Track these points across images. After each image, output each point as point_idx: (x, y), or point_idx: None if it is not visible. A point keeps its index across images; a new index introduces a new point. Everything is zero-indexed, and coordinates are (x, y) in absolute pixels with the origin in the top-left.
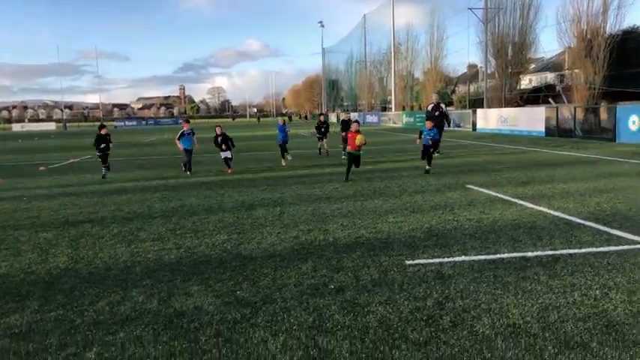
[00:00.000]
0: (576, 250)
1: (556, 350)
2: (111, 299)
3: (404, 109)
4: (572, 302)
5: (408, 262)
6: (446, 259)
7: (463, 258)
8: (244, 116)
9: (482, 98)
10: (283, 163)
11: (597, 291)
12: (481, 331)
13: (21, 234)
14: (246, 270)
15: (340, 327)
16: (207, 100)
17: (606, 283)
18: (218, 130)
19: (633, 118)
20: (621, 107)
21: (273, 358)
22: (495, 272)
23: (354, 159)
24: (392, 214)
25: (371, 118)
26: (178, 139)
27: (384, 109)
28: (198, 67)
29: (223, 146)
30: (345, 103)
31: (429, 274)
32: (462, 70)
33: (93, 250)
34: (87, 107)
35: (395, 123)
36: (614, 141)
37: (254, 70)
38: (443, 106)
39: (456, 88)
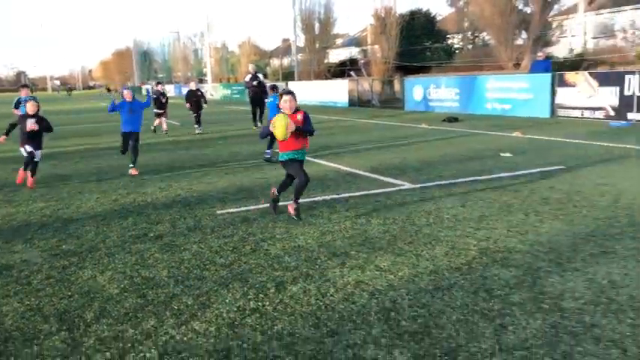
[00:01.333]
0: (354, 193)
1: (326, 258)
2: None
3: (220, 81)
4: (343, 228)
5: (218, 212)
6: (251, 207)
7: (266, 205)
8: (45, 89)
9: (294, 72)
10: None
11: (363, 219)
12: (274, 252)
13: None
14: (68, 229)
15: (160, 261)
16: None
17: (370, 213)
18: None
19: (417, 89)
20: (408, 80)
21: (102, 288)
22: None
23: (293, 167)
24: (208, 176)
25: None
26: (16, 107)
27: (201, 81)
28: None
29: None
30: (160, 75)
31: (236, 219)
32: (277, 43)
33: None
34: None
35: (212, 95)
36: (404, 109)
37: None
38: (260, 76)
39: (271, 61)
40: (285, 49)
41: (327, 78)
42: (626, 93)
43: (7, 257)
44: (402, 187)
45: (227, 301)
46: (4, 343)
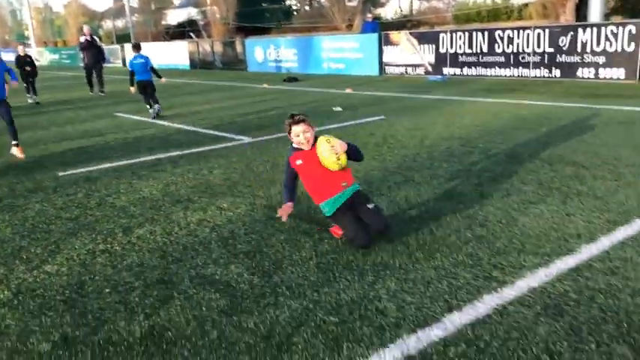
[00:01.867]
0: (197, 149)
1: (170, 204)
2: None
3: (45, 45)
4: (186, 179)
5: (60, 174)
6: (93, 168)
7: (108, 165)
8: None
9: (130, 33)
10: None
11: (205, 171)
12: (119, 204)
13: None
14: None
15: (1, 222)
16: None
17: (212, 165)
18: None
19: (258, 50)
20: (249, 41)
21: None
22: (133, 170)
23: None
24: (42, 143)
25: (7, 56)
26: None
27: (23, 45)
28: None
29: None
30: None
31: (79, 179)
32: (109, 4)
33: None
34: None
35: (38, 60)
36: (246, 70)
37: None
38: (97, 38)
39: (103, 23)
40: (117, 10)
41: (165, 40)
42: (441, 50)
43: None
44: (242, 142)
45: (76, 246)
46: None
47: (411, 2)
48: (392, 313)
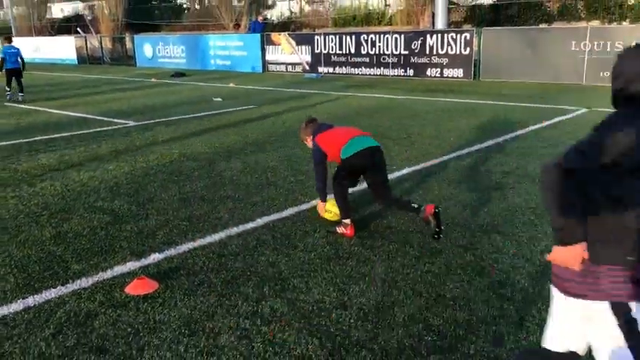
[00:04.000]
0: (86, 131)
1: (65, 168)
2: None
3: None
4: (78, 152)
5: None
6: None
7: (5, 143)
8: None
9: (10, 27)
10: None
11: (94, 145)
12: (21, 169)
13: None
14: None
15: None
16: None
17: (100, 142)
18: None
19: (147, 46)
20: (138, 37)
21: None
22: (30, 146)
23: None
24: None
25: None
26: None
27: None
28: None
29: None
30: None
31: None
32: None
33: None
34: None
35: None
36: (136, 66)
37: None
38: None
39: None
40: None
41: (50, 34)
42: (316, 51)
43: None
44: (127, 125)
45: None
46: None
47: (300, 5)
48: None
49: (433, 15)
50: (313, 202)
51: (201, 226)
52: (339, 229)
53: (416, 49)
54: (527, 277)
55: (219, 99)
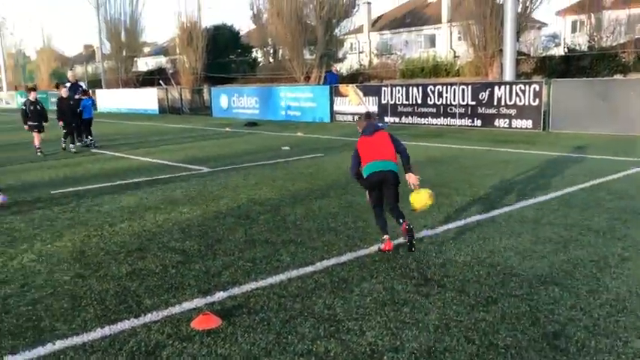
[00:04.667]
0: (164, 176)
1: (143, 210)
2: None
3: (16, 89)
4: (156, 195)
5: (52, 192)
6: (81, 188)
7: (93, 186)
8: None
9: (101, 79)
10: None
11: (170, 190)
12: (104, 210)
13: None
14: None
15: (11, 221)
16: None
17: (175, 186)
18: None
19: (223, 97)
20: (215, 89)
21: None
22: (113, 189)
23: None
24: (36, 173)
25: None
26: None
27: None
28: None
29: None
30: None
31: (69, 195)
32: (79, 50)
33: None
34: None
35: (8, 104)
36: (212, 116)
37: None
38: (82, 84)
39: (74, 69)
40: (88, 56)
41: (135, 86)
42: (383, 101)
43: None
44: (201, 171)
45: (75, 233)
46: None
47: (370, 57)
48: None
49: (502, 66)
50: (372, 249)
51: (264, 267)
52: (379, 246)
53: (484, 99)
54: (584, 330)
55: (288, 147)
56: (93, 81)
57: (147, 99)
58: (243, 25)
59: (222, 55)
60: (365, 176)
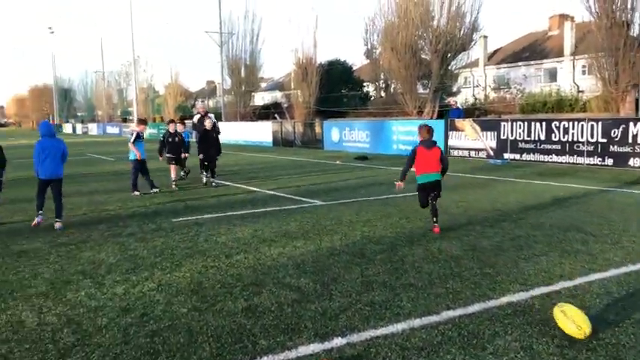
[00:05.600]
0: (277, 208)
1: (258, 243)
2: None
3: (154, 121)
4: (269, 227)
5: (173, 220)
6: (199, 217)
7: (210, 215)
8: None
9: (221, 112)
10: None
11: (284, 222)
12: (220, 241)
13: None
14: (56, 231)
15: (138, 247)
16: None
17: (289, 218)
18: None
19: (334, 131)
20: (327, 122)
21: (102, 260)
22: (229, 220)
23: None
24: (156, 198)
25: (112, 129)
26: (134, 142)
27: (125, 120)
28: None
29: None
30: (80, 114)
31: (190, 224)
32: (202, 85)
33: None
34: None
35: (131, 135)
36: (323, 149)
37: None
38: (212, 116)
39: (196, 103)
40: (210, 91)
41: (252, 119)
42: (502, 137)
43: (19, 247)
44: (314, 204)
45: (194, 263)
46: (63, 286)
47: (485, 91)
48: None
49: (637, 101)
50: (503, 300)
51: (383, 313)
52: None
53: (616, 137)
54: None
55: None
56: (214, 114)
57: (262, 131)
58: (356, 60)
59: (335, 89)
60: (418, 182)
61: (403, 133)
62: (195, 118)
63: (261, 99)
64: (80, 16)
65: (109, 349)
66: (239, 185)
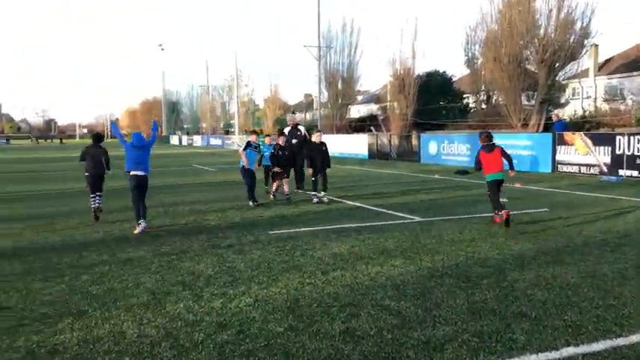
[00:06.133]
0: (375, 223)
1: (355, 259)
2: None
3: (246, 132)
4: (367, 243)
5: (270, 232)
6: (294, 230)
7: (306, 229)
8: (73, 137)
9: (317, 125)
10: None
11: (382, 239)
12: (317, 256)
13: None
14: (159, 240)
15: (235, 260)
16: (30, 119)
17: (387, 235)
18: None
19: (432, 144)
20: (424, 135)
21: (201, 272)
22: (326, 233)
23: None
24: (257, 210)
25: (215, 141)
26: (244, 149)
27: (227, 132)
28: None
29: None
30: (186, 126)
31: (286, 237)
32: (300, 98)
33: None
34: None
35: (240, 146)
36: (419, 162)
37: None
38: (302, 128)
39: (294, 113)
40: (307, 104)
41: (348, 132)
42: (617, 152)
43: (125, 255)
44: (413, 220)
45: (290, 278)
46: (165, 297)
47: (595, 103)
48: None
49: None
50: (633, 338)
51: (494, 346)
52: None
53: None
54: None
55: (505, 199)
56: (310, 127)
57: (358, 144)
58: (455, 70)
59: (433, 101)
60: (487, 180)
61: (506, 147)
62: (286, 130)
63: (356, 111)
64: (187, 34)
65: None
66: (334, 198)
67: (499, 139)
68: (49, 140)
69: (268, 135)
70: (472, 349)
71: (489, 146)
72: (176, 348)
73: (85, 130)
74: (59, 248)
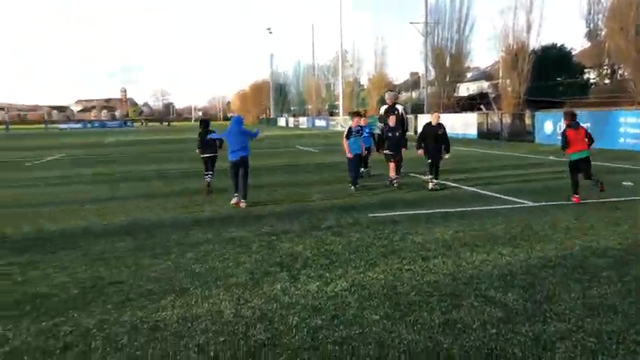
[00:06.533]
0: (483, 207)
1: (458, 245)
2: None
3: (350, 114)
4: (472, 229)
5: (370, 215)
6: (396, 213)
7: (407, 212)
8: (189, 119)
9: (423, 104)
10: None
11: (489, 224)
12: (417, 240)
13: None
14: (261, 221)
15: (334, 242)
16: (151, 103)
17: (495, 220)
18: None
19: (548, 123)
20: (540, 114)
21: (300, 253)
22: (428, 217)
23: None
24: (358, 193)
25: (319, 122)
26: (347, 137)
27: (331, 113)
28: (137, 68)
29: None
30: (293, 108)
31: (386, 220)
32: (405, 77)
33: None
34: (21, 109)
35: (343, 127)
36: (534, 142)
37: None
38: (400, 107)
39: (399, 95)
40: (413, 83)
41: (455, 111)
42: None
43: (229, 234)
44: (524, 204)
45: (388, 264)
46: (263, 277)
47: None
48: None
49: None
50: None
51: (614, 349)
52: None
53: None
54: None
55: (630, 183)
56: (415, 107)
57: (466, 123)
58: (575, 43)
59: (549, 77)
60: (571, 159)
61: (632, 126)
62: (382, 110)
63: (465, 89)
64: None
65: (297, 353)
66: (440, 181)
67: (625, 118)
68: (163, 123)
69: (363, 115)
70: (588, 350)
71: (575, 124)
72: (270, 331)
73: (200, 113)
74: (169, 226)
